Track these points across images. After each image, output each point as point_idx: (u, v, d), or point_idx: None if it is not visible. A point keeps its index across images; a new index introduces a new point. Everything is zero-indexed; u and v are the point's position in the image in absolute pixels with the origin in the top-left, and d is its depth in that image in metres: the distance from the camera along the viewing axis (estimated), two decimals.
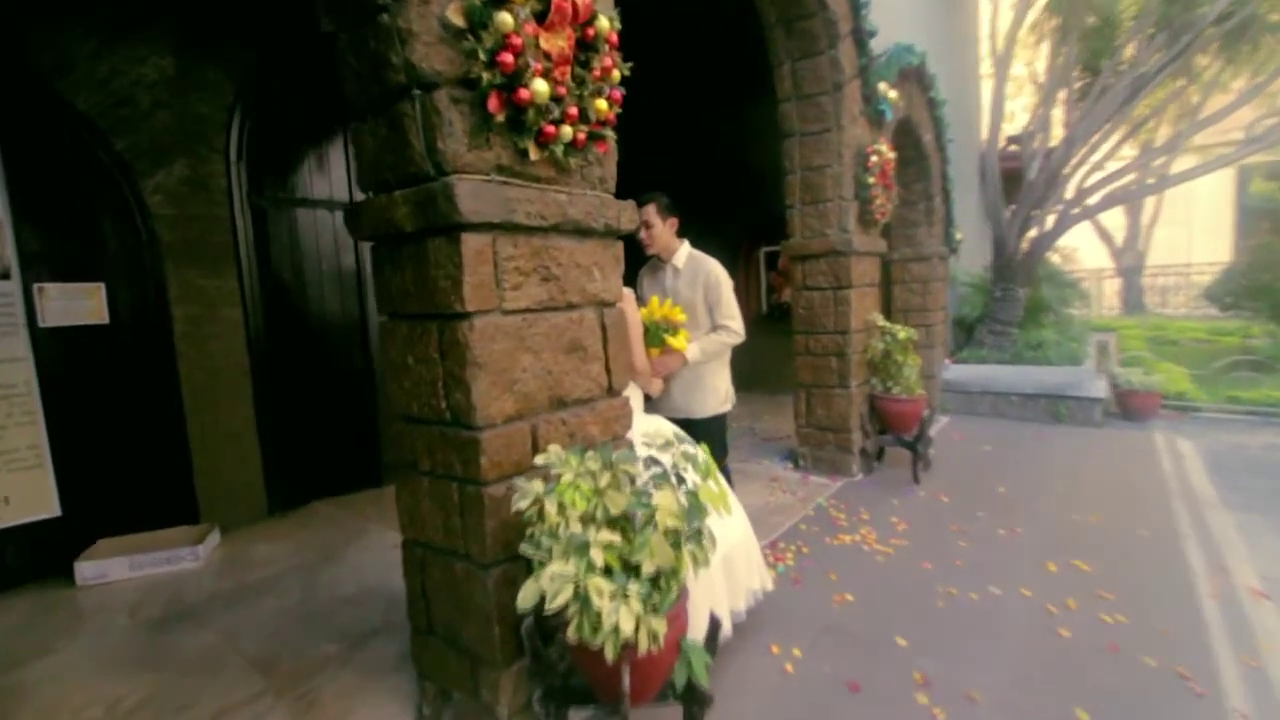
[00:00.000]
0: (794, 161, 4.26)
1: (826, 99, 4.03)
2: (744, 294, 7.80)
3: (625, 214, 2.05)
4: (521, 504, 1.50)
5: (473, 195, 1.56)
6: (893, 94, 4.47)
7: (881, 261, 4.80)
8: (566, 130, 1.73)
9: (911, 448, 4.23)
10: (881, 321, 4.35)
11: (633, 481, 1.62)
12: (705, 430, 2.82)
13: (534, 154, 1.71)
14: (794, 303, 4.45)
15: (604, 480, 1.57)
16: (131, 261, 3.59)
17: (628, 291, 2.35)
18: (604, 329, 2.03)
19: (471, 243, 1.60)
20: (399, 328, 1.81)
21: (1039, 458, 4.83)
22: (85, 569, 3.21)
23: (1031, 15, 8.69)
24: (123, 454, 3.57)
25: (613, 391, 2.07)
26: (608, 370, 2.04)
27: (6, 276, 3.18)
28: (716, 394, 2.84)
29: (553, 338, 1.84)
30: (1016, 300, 7.48)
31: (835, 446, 4.35)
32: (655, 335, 2.55)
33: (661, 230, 2.79)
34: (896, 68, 4.69)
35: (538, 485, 1.54)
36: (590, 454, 1.66)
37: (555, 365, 1.85)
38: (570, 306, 1.90)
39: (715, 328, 2.77)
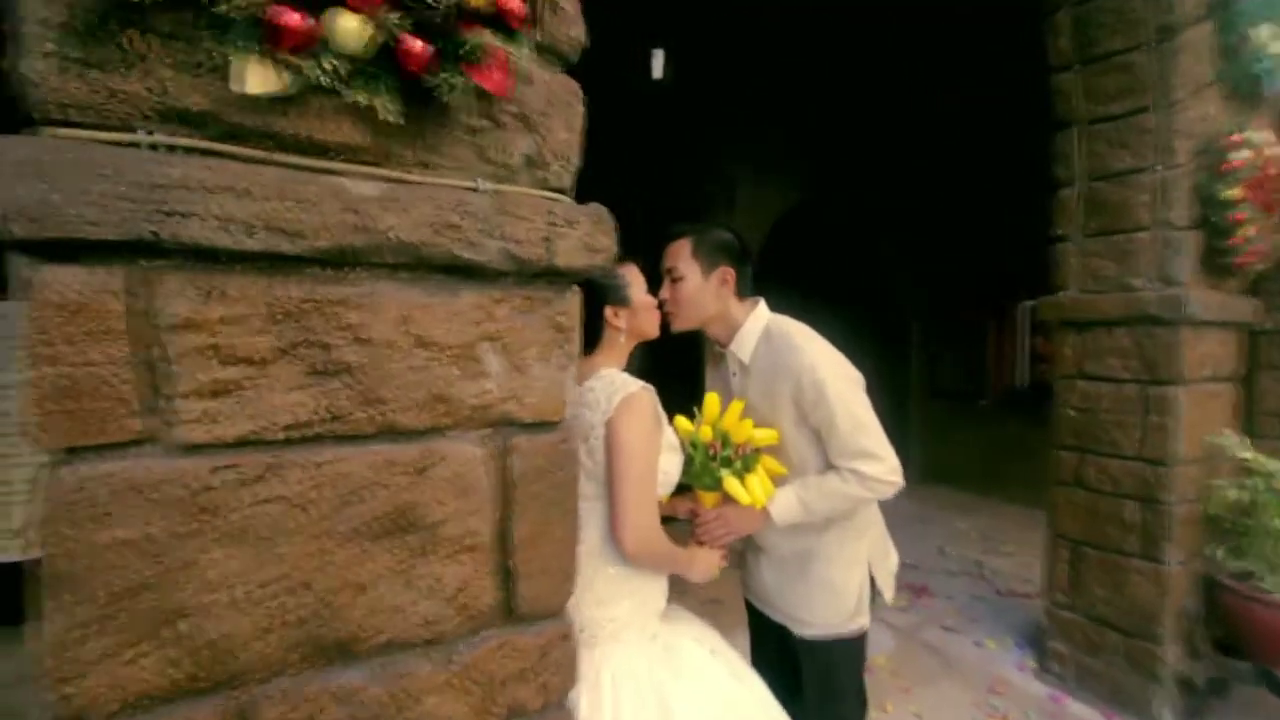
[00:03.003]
0: (1072, 166, 2.58)
1: (1141, 56, 2.32)
2: (995, 361, 5.70)
3: (573, 235, 0.94)
4: None
5: (45, 172, 0.63)
6: None
7: (1243, 335, 2.75)
8: (349, 24, 0.71)
9: None
10: (1245, 451, 2.35)
11: None
12: (813, 660, 1.43)
13: (256, 82, 0.71)
14: (1060, 396, 2.70)
15: None
16: None
17: (640, 389, 1.20)
18: (505, 484, 0.93)
19: (55, 285, 0.67)
20: None
21: None
22: None
23: None
24: None
25: (514, 617, 0.95)
26: (504, 572, 0.93)
27: None
28: (837, 594, 1.40)
29: (329, 507, 0.81)
30: None
31: (1124, 658, 2.45)
32: (705, 471, 1.31)
33: (699, 289, 1.41)
34: None
35: None
36: None
37: (327, 569, 0.81)
38: (393, 434, 0.85)
39: (832, 469, 1.36)
